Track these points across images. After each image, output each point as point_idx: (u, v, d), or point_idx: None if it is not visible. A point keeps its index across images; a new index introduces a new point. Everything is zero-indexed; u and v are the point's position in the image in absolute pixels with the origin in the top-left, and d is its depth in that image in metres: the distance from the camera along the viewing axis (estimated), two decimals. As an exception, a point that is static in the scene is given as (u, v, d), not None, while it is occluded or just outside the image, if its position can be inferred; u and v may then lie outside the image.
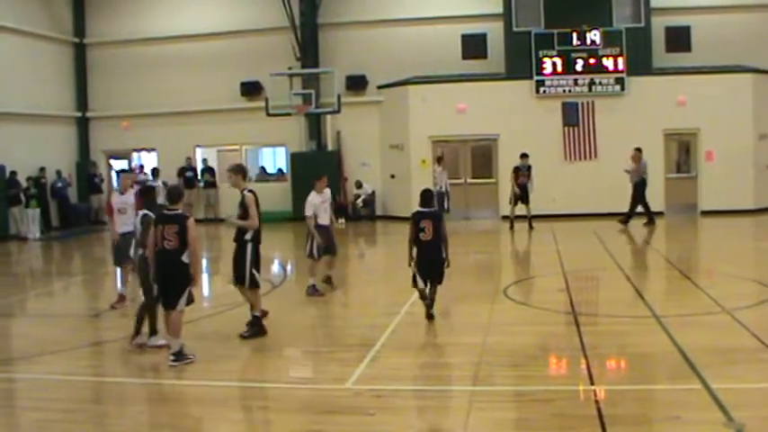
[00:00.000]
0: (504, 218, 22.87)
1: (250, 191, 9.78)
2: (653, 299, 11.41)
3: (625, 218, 21.23)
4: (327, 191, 13.08)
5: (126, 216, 11.67)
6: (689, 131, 24.21)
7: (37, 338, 10.25)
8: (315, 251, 12.69)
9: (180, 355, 8.58)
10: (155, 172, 19.80)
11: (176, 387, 7.97)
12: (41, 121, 26.39)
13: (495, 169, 25.05)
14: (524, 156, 21.57)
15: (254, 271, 9.73)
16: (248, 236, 9.75)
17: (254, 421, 6.91)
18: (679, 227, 21.32)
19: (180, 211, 8.68)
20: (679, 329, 9.25)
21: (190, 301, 8.70)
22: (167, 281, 8.60)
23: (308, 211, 12.59)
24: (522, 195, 21.30)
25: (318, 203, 12.74)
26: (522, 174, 21.37)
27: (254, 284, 9.82)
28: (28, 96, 25.55)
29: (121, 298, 12.14)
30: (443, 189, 19.94)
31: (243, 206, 9.69)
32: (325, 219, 12.86)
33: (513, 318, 10.72)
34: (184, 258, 8.51)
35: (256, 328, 9.78)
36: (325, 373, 8.58)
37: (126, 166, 28.78)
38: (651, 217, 21.34)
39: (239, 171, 10.10)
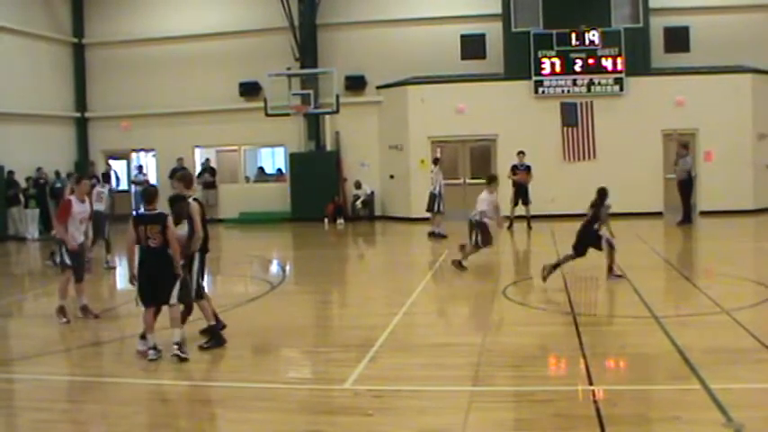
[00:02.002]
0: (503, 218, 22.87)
1: (195, 199, 9.53)
2: (652, 299, 11.41)
3: (681, 217, 21.75)
4: (496, 192, 14.89)
5: (83, 226, 11.21)
6: (688, 132, 24.21)
7: (36, 339, 10.24)
8: (479, 241, 14.49)
9: (183, 347, 8.69)
10: (105, 177, 18.94)
11: (175, 387, 7.96)
12: (40, 121, 26.40)
13: (494, 169, 24.99)
14: (521, 153, 21.69)
15: (200, 281, 9.46)
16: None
17: (253, 421, 6.90)
18: (678, 227, 21.32)
19: (160, 211, 8.94)
20: (678, 330, 9.25)
21: (183, 294, 8.91)
22: (155, 278, 8.78)
23: (483, 207, 14.40)
24: (521, 195, 21.39)
25: (490, 201, 14.47)
26: (519, 172, 21.47)
27: (200, 295, 9.44)
28: (27, 96, 25.56)
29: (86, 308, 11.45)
30: (437, 190, 19.92)
31: (188, 216, 9.30)
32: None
33: (512, 318, 10.72)
34: (170, 253, 8.77)
35: (215, 339, 9.32)
36: (323, 373, 8.57)
37: (114, 168, 28.79)
38: (687, 216, 21.71)
39: (182, 179, 9.71)
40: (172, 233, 8.77)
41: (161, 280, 8.76)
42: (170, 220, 8.84)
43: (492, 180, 14.97)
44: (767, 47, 24.27)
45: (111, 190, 17.90)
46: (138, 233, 8.78)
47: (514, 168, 21.64)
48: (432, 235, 20.03)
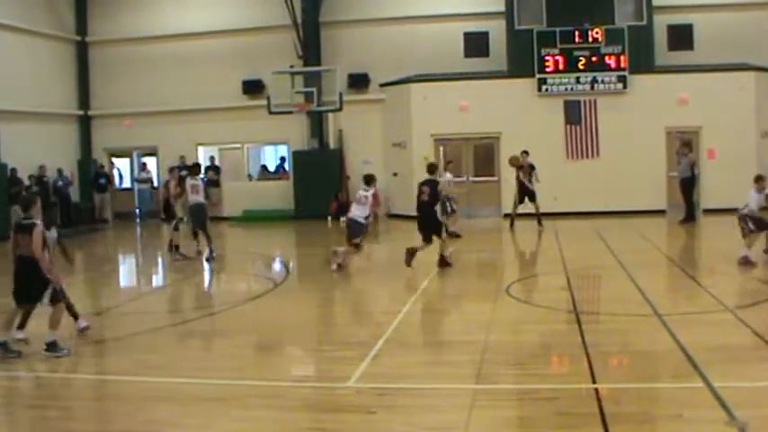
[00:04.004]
0: (506, 215, 22.82)
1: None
2: (655, 297, 11.40)
3: (685, 215, 21.59)
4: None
5: None
6: (691, 129, 24.19)
7: (38, 336, 10.24)
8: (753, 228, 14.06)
9: (54, 346, 8.89)
10: (196, 168, 18.86)
11: (178, 385, 7.97)
12: (44, 119, 26.42)
13: (498, 167, 25.04)
14: (524, 153, 21.12)
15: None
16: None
17: (256, 419, 6.90)
18: (681, 225, 21.30)
19: (31, 221, 8.94)
20: (681, 327, 9.24)
21: (55, 297, 9.04)
22: (23, 282, 8.97)
23: (752, 204, 14.15)
24: (527, 194, 20.88)
25: (758, 199, 14.25)
26: (523, 172, 20.97)
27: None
28: (30, 94, 25.58)
29: None
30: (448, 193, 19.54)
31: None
32: None
33: (515, 316, 10.71)
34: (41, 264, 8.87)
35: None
36: (327, 371, 8.57)
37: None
38: (690, 214, 21.62)
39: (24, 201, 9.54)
40: (35, 244, 8.77)
41: (29, 285, 8.95)
42: (36, 230, 8.82)
43: (759, 179, 14.89)
44: (771, 45, 24.25)
45: (203, 180, 17.99)
46: (13, 241, 9.09)
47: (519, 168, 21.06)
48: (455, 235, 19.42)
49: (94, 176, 27.70)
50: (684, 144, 22.10)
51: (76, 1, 28.32)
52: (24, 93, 25.29)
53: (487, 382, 7.72)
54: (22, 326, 9.50)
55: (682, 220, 21.54)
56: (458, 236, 19.30)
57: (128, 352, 9.09)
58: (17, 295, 9.06)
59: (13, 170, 23.97)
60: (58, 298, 9.14)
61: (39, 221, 8.99)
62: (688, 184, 21.81)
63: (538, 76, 24.42)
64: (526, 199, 21.02)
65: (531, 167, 21.02)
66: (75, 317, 10.02)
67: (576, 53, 24.25)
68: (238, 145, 28.34)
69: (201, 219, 17.03)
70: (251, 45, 26.90)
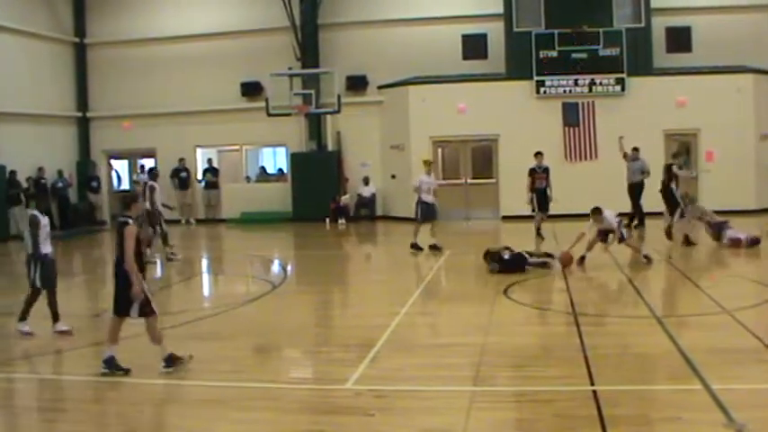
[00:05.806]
0: (506, 218, 22.79)
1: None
2: (653, 299, 11.41)
3: (637, 221, 20.75)
4: None
5: None
6: (689, 132, 24.21)
7: (38, 338, 10.24)
8: None
9: (111, 364, 8.28)
10: (152, 172, 19.18)
11: (177, 387, 7.97)
12: (42, 121, 26.41)
13: (496, 169, 25.06)
14: (539, 154, 19.93)
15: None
16: None
17: (255, 421, 6.91)
18: (679, 227, 21.27)
19: (122, 219, 8.36)
20: (679, 330, 9.25)
21: (144, 313, 8.31)
22: (116, 289, 8.36)
23: None
24: (540, 201, 19.70)
25: None
26: (538, 176, 19.78)
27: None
28: (28, 96, 25.57)
29: None
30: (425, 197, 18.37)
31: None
32: None
33: (513, 318, 10.72)
34: (126, 266, 8.21)
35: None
36: (325, 373, 8.58)
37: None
38: (641, 218, 20.90)
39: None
40: (127, 243, 8.12)
41: (118, 291, 8.34)
42: (127, 229, 8.15)
43: None
44: (769, 47, 24.28)
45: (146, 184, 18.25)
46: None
47: (532, 172, 19.82)
48: (413, 247, 17.91)
49: (86, 179, 27.65)
50: (634, 148, 21.42)
51: (75, 3, 28.31)
52: (23, 94, 25.27)
53: (486, 384, 7.73)
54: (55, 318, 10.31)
55: (636, 225, 20.56)
56: (419, 248, 17.62)
57: (127, 354, 9.07)
58: (114, 303, 8.44)
59: (12, 172, 23.97)
60: (147, 311, 8.33)
61: (132, 220, 8.27)
62: (637, 189, 20.94)
63: (536, 78, 24.43)
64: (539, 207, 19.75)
65: (546, 171, 19.89)
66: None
67: (574, 55, 24.27)
68: (237, 147, 28.34)
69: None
70: (249, 47, 26.90)
